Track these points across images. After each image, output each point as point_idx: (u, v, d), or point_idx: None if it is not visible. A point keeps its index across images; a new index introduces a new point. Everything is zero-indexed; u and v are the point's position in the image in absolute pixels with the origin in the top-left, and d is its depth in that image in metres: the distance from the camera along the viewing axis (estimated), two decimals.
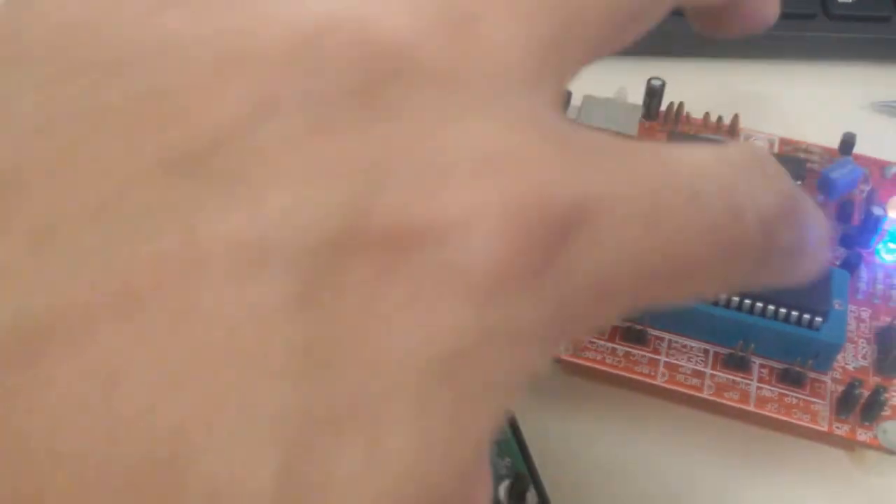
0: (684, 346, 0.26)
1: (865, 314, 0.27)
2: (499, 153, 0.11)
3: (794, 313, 0.25)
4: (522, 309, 0.11)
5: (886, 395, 0.25)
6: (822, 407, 0.25)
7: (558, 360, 0.26)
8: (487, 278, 0.11)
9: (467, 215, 0.11)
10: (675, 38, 0.36)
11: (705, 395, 0.25)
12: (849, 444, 0.25)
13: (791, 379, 0.25)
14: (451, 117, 0.12)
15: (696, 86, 0.34)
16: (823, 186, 0.30)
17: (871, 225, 0.28)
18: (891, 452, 0.24)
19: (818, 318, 0.25)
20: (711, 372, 0.26)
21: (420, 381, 0.11)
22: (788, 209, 0.14)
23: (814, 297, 0.25)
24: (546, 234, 0.11)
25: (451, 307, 0.11)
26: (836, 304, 0.25)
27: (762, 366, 0.26)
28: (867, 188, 0.30)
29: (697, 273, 0.13)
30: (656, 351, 0.26)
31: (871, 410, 0.25)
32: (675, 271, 0.13)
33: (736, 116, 0.32)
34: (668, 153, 0.14)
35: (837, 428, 0.25)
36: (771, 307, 0.25)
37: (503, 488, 0.23)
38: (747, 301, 0.25)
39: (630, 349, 0.26)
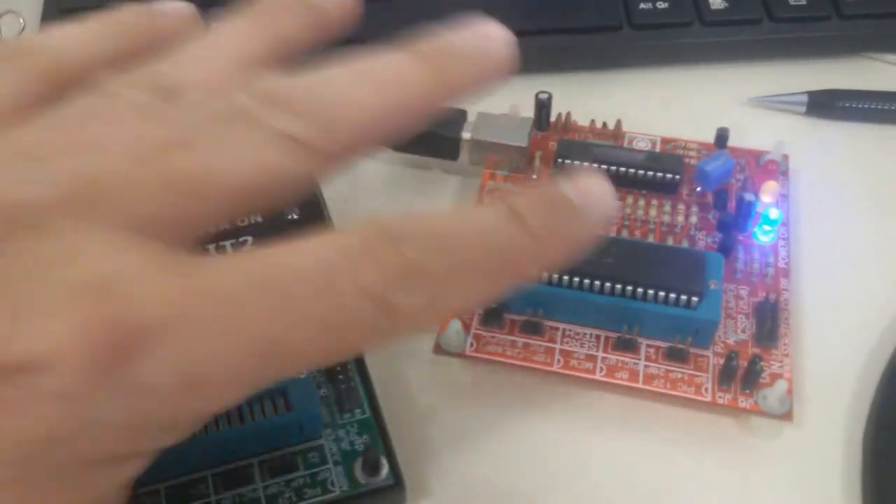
0: (577, 334, 0.28)
1: (744, 292, 0.30)
2: (100, 275, 0.15)
3: (673, 295, 0.27)
4: (101, 411, 0.15)
5: (763, 363, 0.27)
6: (706, 379, 0.27)
7: (462, 356, 0.28)
8: (63, 388, 0.15)
9: (45, 349, 0.15)
10: (560, 53, 0.38)
11: (597, 376, 0.27)
12: (733, 412, 0.27)
13: (675, 356, 0.27)
14: (70, 253, 0.16)
15: (581, 96, 0.36)
16: (700, 178, 0.32)
17: (745, 210, 0.31)
18: (772, 416, 0.27)
19: (694, 298, 0.27)
20: (603, 355, 0.28)
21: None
22: (401, 277, 0.17)
23: (690, 279, 0.27)
24: (112, 355, 0.15)
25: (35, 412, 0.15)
26: (712, 285, 0.28)
27: (649, 346, 0.28)
28: (743, 177, 0.33)
29: (299, 352, 0.17)
30: (552, 340, 0.28)
31: (750, 379, 0.27)
32: (273, 354, 0.17)
33: (619, 122, 0.34)
34: (271, 258, 0.17)
35: (720, 398, 0.27)
36: (651, 291, 0.27)
37: (357, 465, 0.25)
38: (629, 287, 0.27)
39: (528, 340, 0.28)
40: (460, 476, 0.26)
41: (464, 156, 0.34)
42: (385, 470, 0.25)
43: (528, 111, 0.34)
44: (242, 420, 0.24)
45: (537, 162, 0.33)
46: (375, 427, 0.26)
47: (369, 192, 0.34)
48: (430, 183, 0.35)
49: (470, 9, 0.38)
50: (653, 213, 0.32)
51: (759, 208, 0.31)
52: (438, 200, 0.34)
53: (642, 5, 0.38)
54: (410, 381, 0.28)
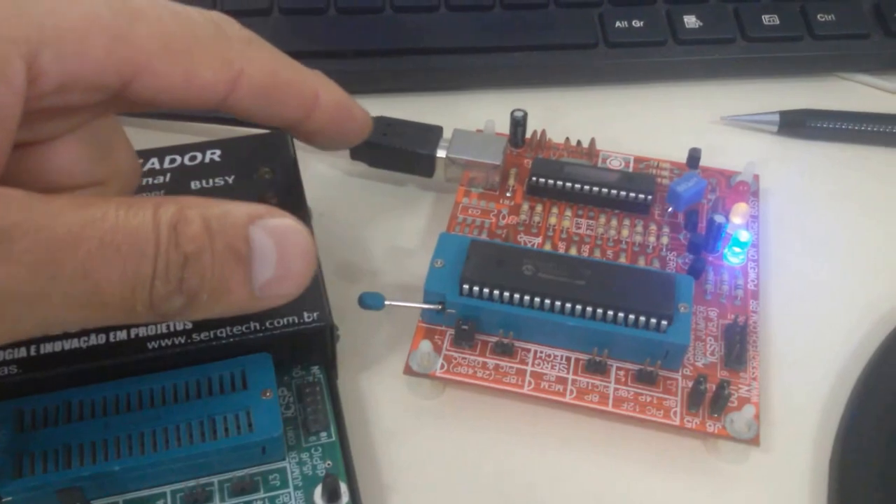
0: (548, 356, 0.28)
1: (713, 314, 0.30)
2: None
3: (643, 318, 0.27)
4: None
5: (731, 388, 0.27)
6: (674, 403, 0.27)
7: (432, 377, 0.28)
8: None
9: None
10: (536, 70, 0.38)
11: (567, 399, 0.27)
12: (701, 436, 0.28)
13: (645, 379, 0.28)
14: None
15: (556, 113, 0.36)
16: (671, 199, 0.32)
17: (715, 232, 0.31)
18: (740, 441, 0.27)
19: (664, 322, 0.27)
20: (573, 377, 0.28)
21: None
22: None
23: (660, 302, 0.28)
24: None
25: None
26: (682, 308, 0.28)
27: (619, 368, 0.28)
28: (714, 197, 0.33)
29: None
30: (523, 362, 0.28)
31: (718, 403, 0.27)
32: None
33: (592, 140, 0.35)
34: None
35: (688, 422, 0.27)
36: (621, 314, 0.27)
37: (317, 490, 0.25)
38: (600, 310, 0.28)
39: (499, 362, 0.28)
40: (425, 501, 0.27)
41: (439, 173, 0.34)
42: (344, 498, 0.25)
43: (504, 128, 0.35)
44: (204, 437, 0.24)
45: (512, 179, 0.34)
46: (340, 452, 0.26)
47: (345, 207, 0.34)
48: (406, 199, 0.35)
49: (448, 27, 0.38)
50: (625, 233, 0.32)
51: (729, 230, 0.31)
52: (413, 216, 0.34)
53: (618, 24, 0.39)
54: (379, 402, 0.28)
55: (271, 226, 0.21)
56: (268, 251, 0.20)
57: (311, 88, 0.25)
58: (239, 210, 0.20)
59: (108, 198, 0.19)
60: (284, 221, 0.21)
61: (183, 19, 0.22)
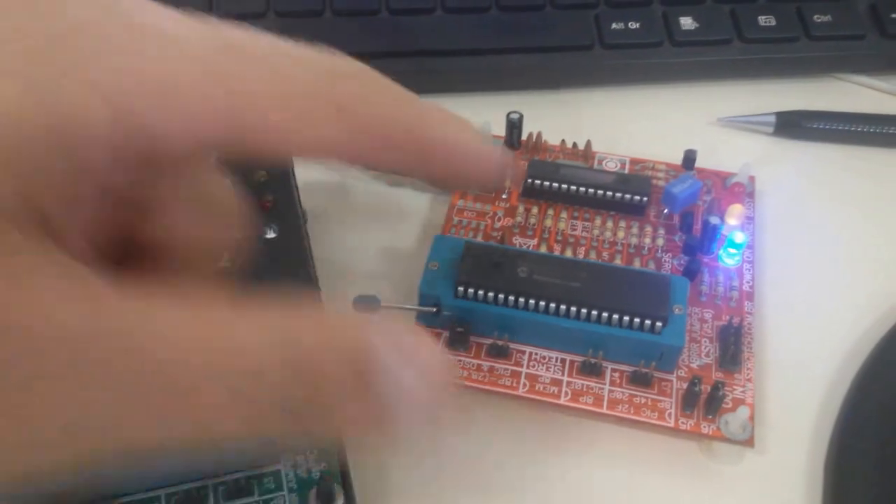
0: (543, 358, 0.28)
1: (708, 315, 0.30)
2: None
3: (637, 320, 0.27)
4: None
5: (725, 389, 0.27)
6: (669, 404, 0.27)
7: None
8: None
9: None
10: (532, 72, 0.38)
11: (562, 401, 0.27)
12: (696, 437, 0.28)
13: (639, 380, 0.28)
14: None
15: (552, 115, 0.36)
16: (667, 200, 0.32)
17: (710, 233, 0.31)
18: (734, 442, 0.27)
19: (659, 323, 0.27)
20: (568, 379, 0.28)
21: None
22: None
23: (655, 304, 0.28)
24: None
25: None
26: (677, 309, 0.28)
27: (614, 370, 0.28)
28: (709, 199, 0.33)
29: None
30: (518, 364, 0.28)
31: (713, 404, 0.27)
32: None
33: (588, 142, 0.35)
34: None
35: (683, 423, 0.27)
36: (616, 316, 0.27)
37: (312, 494, 0.25)
38: (595, 312, 0.28)
39: (494, 364, 0.28)
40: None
41: None
42: (339, 501, 0.25)
43: (500, 130, 0.35)
44: None
45: (508, 182, 0.34)
46: (335, 454, 0.26)
47: (340, 209, 0.34)
48: (401, 201, 0.35)
49: (445, 29, 0.38)
50: (620, 234, 0.32)
51: (724, 231, 0.31)
52: (409, 219, 0.34)
53: (614, 25, 0.39)
54: None
55: (398, 344, 0.17)
56: (397, 374, 0.17)
57: (433, 132, 0.21)
58: (363, 329, 0.17)
59: (209, 301, 0.16)
60: (410, 339, 0.18)
61: (298, 65, 0.19)
